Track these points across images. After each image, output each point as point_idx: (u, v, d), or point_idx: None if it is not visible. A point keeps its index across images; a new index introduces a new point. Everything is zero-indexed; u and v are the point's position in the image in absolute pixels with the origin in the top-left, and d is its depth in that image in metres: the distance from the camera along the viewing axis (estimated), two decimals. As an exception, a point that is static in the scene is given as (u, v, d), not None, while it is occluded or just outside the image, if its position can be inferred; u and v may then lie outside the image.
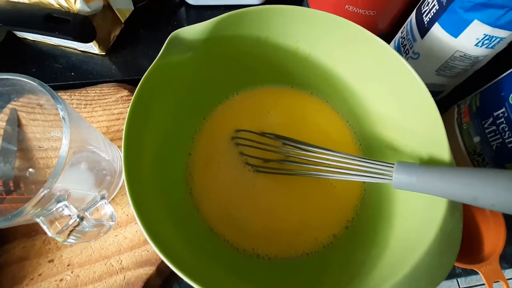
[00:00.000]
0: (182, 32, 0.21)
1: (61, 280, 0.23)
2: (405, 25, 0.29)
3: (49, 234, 0.16)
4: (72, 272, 0.23)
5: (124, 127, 0.18)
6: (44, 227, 0.17)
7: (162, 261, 0.18)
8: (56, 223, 0.17)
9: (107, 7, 0.30)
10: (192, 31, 0.21)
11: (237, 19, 0.21)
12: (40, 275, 0.23)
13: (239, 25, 0.22)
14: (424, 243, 0.16)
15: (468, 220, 0.26)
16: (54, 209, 0.17)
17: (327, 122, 0.28)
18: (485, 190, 0.14)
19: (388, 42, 0.33)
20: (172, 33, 0.20)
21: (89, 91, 0.30)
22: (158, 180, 0.21)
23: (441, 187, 0.15)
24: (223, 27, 0.21)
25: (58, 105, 0.17)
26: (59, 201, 0.17)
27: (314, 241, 0.23)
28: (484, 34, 0.22)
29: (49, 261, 0.24)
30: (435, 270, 0.15)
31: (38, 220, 0.16)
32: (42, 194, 0.15)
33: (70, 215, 0.17)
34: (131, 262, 0.24)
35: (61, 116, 0.17)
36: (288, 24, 0.23)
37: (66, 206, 0.17)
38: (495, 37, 0.22)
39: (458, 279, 0.94)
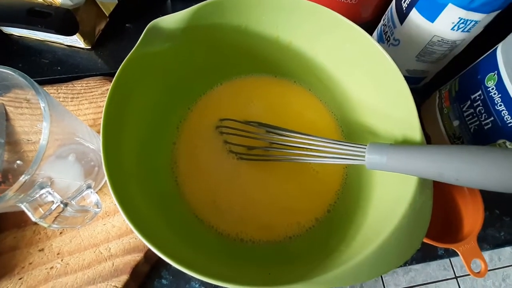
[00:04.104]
0: (160, 22, 0.21)
1: (51, 268, 0.24)
2: (386, 12, 0.29)
3: (33, 219, 0.17)
4: (62, 260, 0.24)
5: (102, 118, 0.18)
6: (29, 213, 0.17)
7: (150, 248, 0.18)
8: (40, 208, 0.17)
9: (91, 0, 0.30)
10: (170, 21, 0.21)
11: (215, 8, 0.22)
12: (31, 263, 0.24)
13: (218, 14, 0.22)
14: (394, 220, 0.16)
15: (448, 200, 0.27)
16: (38, 195, 0.17)
17: (310, 110, 0.28)
18: (449, 165, 0.15)
19: (372, 30, 0.33)
20: (150, 23, 0.21)
21: (75, 85, 0.30)
22: (142, 169, 0.22)
23: (409, 165, 0.16)
24: (201, 16, 0.22)
25: (38, 96, 0.18)
26: (42, 188, 0.17)
27: (296, 225, 0.24)
28: (459, 18, 0.22)
29: (40, 250, 0.24)
30: (404, 246, 0.16)
31: (22, 206, 0.17)
32: (24, 180, 0.16)
33: (53, 201, 0.17)
34: (119, 249, 0.24)
35: (41, 106, 0.18)
36: (267, 12, 0.23)
37: (50, 193, 0.17)
38: (470, 20, 0.22)
39: (454, 268, 0.95)
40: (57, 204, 0.17)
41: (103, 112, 0.19)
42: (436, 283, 0.94)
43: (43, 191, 0.17)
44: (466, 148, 0.15)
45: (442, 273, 0.95)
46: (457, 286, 0.93)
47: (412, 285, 0.92)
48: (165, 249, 0.16)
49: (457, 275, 0.95)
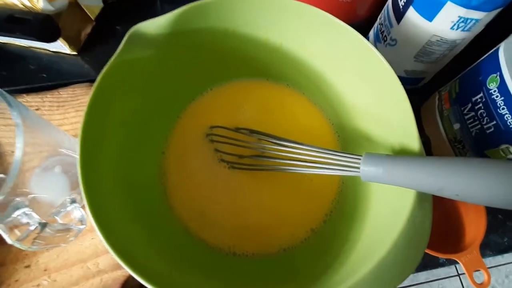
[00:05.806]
0: (142, 27, 0.20)
1: (38, 285, 0.23)
2: (382, 10, 0.28)
3: (9, 241, 0.16)
4: (49, 277, 0.23)
5: (80, 130, 0.17)
6: (4, 235, 0.16)
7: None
8: (16, 230, 0.16)
9: (75, 4, 0.29)
10: (153, 26, 0.20)
11: (200, 11, 0.20)
12: (17, 281, 0.23)
13: (203, 17, 0.21)
14: (392, 235, 0.15)
15: (450, 209, 0.26)
16: (14, 216, 0.16)
17: (304, 114, 0.27)
18: (449, 180, 0.13)
19: (368, 29, 0.32)
20: (132, 28, 0.19)
21: (61, 93, 0.29)
22: (127, 183, 0.21)
23: (406, 178, 0.15)
24: (186, 20, 0.20)
25: (11, 109, 0.17)
26: (17, 208, 0.16)
27: (290, 237, 0.23)
28: (459, 17, 0.21)
29: (26, 267, 0.24)
30: (403, 263, 0.15)
31: (-4, 228, 0.16)
32: (-4, 201, 0.15)
33: (29, 222, 0.16)
34: (108, 265, 0.23)
35: (14, 122, 0.17)
36: (254, 14, 0.22)
37: (26, 214, 0.16)
38: (470, 19, 0.21)
39: (457, 265, 0.95)
40: (34, 226, 0.16)
41: (80, 124, 0.18)
42: (439, 281, 0.93)
43: (18, 212, 0.16)
44: (467, 161, 0.13)
45: (444, 270, 0.95)
46: (460, 284, 0.92)
47: (414, 283, 0.92)
48: (148, 274, 0.15)
49: (459, 273, 0.94)
